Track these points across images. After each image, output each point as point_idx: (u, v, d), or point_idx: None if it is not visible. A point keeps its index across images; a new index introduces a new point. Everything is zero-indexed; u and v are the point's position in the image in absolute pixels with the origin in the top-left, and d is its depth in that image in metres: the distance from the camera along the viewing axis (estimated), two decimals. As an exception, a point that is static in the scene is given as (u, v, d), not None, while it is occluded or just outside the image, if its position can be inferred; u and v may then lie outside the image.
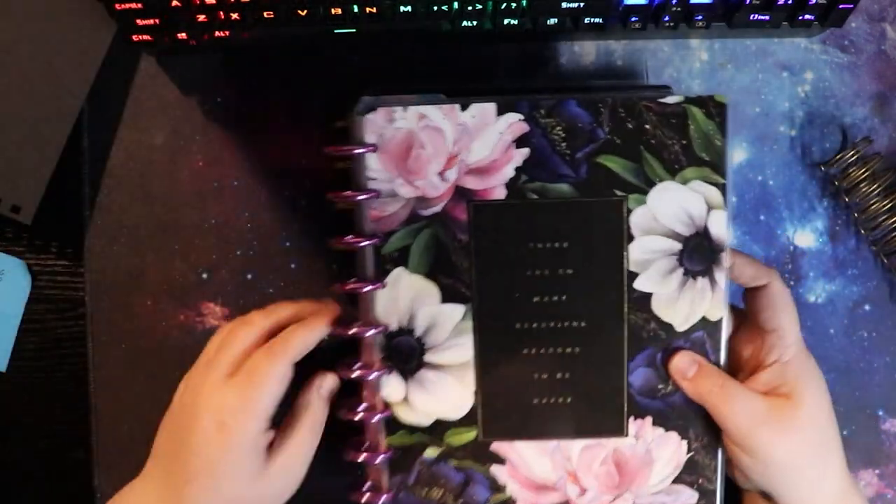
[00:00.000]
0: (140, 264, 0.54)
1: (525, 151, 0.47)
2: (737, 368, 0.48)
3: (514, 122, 0.47)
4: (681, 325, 0.47)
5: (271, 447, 0.45)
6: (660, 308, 0.47)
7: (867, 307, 0.55)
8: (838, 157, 0.54)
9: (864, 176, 0.53)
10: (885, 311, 0.55)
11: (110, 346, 0.54)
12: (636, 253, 0.47)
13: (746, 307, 0.48)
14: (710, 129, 0.46)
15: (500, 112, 0.47)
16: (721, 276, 0.47)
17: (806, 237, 0.55)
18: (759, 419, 0.44)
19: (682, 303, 0.47)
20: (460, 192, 0.47)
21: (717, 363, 0.47)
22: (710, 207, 0.47)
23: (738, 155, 0.55)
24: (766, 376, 0.45)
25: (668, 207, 0.47)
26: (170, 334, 0.54)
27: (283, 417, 0.47)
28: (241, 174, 0.54)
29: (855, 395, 0.55)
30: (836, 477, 0.45)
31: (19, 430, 0.57)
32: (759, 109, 0.55)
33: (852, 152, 0.53)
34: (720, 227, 0.47)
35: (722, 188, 0.47)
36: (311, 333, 0.46)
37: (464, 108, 0.46)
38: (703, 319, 0.47)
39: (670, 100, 0.46)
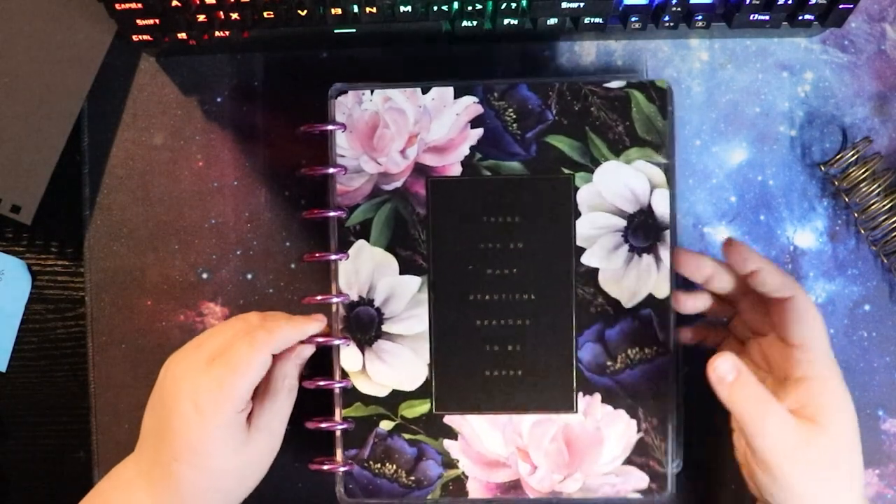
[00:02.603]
0: (140, 264, 0.54)
1: (479, 131, 0.50)
2: (763, 376, 0.46)
3: (469, 105, 0.50)
4: (628, 302, 0.49)
5: (251, 417, 0.46)
6: (607, 283, 0.49)
7: (867, 307, 0.55)
8: (838, 157, 0.54)
9: (864, 176, 0.53)
10: (885, 311, 0.55)
11: (110, 346, 0.54)
12: (583, 228, 0.49)
13: (771, 319, 0.47)
14: (651, 112, 0.49)
15: (458, 95, 0.50)
16: (666, 254, 0.49)
17: (806, 237, 0.55)
18: (787, 445, 0.42)
19: (629, 279, 0.49)
20: (419, 169, 0.50)
21: (665, 342, 0.49)
22: (653, 186, 0.49)
23: (738, 155, 0.55)
24: (793, 393, 0.44)
25: (613, 185, 0.49)
26: (170, 334, 0.54)
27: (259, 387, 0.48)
28: (241, 174, 0.54)
29: (855, 395, 0.55)
30: None
31: (19, 430, 0.57)
32: (759, 109, 0.55)
33: (852, 152, 0.53)
34: (663, 206, 0.49)
35: (664, 168, 0.49)
36: (295, 330, 0.47)
37: (424, 91, 0.50)
38: (650, 297, 0.49)
39: (613, 84, 0.49)
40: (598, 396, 0.49)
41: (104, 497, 0.46)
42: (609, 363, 0.49)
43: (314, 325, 0.49)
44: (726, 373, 0.43)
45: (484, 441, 0.50)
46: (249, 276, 0.54)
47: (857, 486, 0.44)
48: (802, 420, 0.43)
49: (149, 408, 0.47)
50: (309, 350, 0.49)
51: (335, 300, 0.50)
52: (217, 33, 0.50)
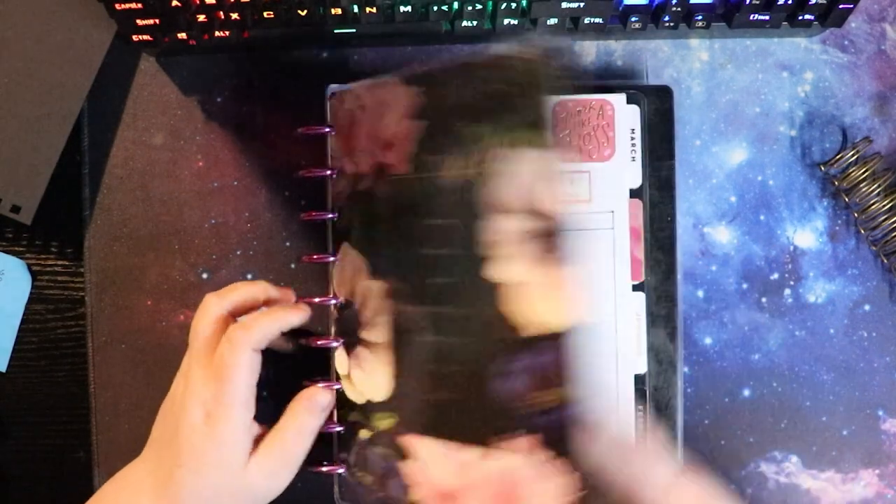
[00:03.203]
0: (140, 264, 0.54)
1: (423, 125, 0.45)
2: None
3: (412, 95, 0.46)
4: (545, 328, 0.40)
5: (258, 443, 0.46)
6: (520, 303, 0.41)
7: (867, 307, 0.55)
8: (838, 157, 0.54)
9: (864, 176, 0.53)
10: (885, 311, 0.55)
11: (110, 346, 0.54)
12: (489, 234, 0.42)
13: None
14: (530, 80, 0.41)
15: (408, 84, 0.46)
16: (577, 270, 0.40)
17: (806, 237, 0.55)
18: None
19: (544, 298, 0.40)
20: (381, 168, 0.47)
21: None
22: (544, 180, 0.41)
23: (738, 155, 0.55)
24: None
25: (507, 181, 0.41)
26: (170, 334, 0.54)
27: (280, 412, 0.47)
28: (241, 174, 0.54)
29: (855, 395, 0.55)
30: None
31: (19, 430, 0.57)
32: (759, 109, 0.55)
33: (852, 152, 0.53)
34: (553, 203, 0.40)
35: (552, 159, 0.41)
36: (273, 321, 0.46)
37: (387, 84, 0.47)
38: (569, 323, 0.40)
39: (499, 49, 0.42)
40: (539, 437, 0.40)
41: (109, 499, 0.46)
42: (539, 398, 0.40)
43: (296, 314, 0.46)
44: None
45: (432, 469, 0.44)
46: (249, 277, 0.54)
47: None
48: None
49: (161, 412, 0.47)
50: (322, 396, 0.47)
51: (330, 301, 0.50)
52: (217, 33, 0.50)
